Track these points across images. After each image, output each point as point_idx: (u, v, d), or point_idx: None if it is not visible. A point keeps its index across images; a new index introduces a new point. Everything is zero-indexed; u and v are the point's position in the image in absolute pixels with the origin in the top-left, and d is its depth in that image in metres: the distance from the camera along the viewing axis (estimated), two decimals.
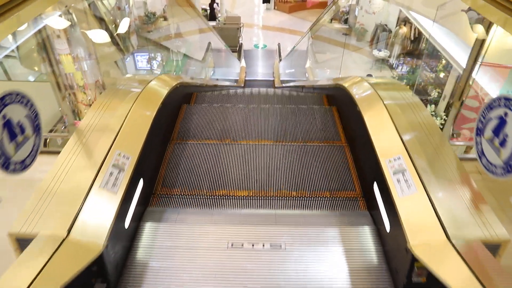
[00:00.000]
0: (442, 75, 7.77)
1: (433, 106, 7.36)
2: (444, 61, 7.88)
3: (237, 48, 11.60)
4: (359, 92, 2.46)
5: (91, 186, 1.51)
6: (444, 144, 1.83)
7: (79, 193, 1.47)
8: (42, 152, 1.32)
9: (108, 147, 1.73)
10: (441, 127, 7.12)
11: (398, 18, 12.07)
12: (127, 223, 1.68)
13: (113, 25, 3.88)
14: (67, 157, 1.62)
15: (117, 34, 3.86)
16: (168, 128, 2.96)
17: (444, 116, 7.06)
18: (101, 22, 3.62)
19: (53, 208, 1.39)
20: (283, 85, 7.88)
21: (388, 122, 1.93)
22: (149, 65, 8.45)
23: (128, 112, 1.97)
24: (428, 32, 6.28)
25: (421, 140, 1.80)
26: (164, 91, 2.56)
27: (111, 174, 1.60)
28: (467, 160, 2.36)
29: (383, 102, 2.09)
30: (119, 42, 4.09)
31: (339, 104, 3.31)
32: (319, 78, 8.66)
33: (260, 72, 12.03)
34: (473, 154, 2.19)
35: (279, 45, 11.25)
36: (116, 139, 1.80)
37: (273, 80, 10.75)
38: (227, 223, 1.96)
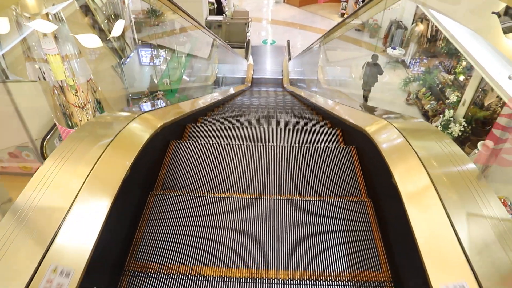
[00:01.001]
0: (461, 77, 7.37)
1: (451, 111, 6.98)
2: (464, 63, 7.47)
3: (245, 44, 11.28)
4: (391, 152, 1.67)
5: None
6: None
7: None
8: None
9: (39, 258, 1.06)
10: (460, 134, 6.76)
11: (415, 15, 11.60)
12: None
13: (107, 24, 3.60)
14: None
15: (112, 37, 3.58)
16: (147, 183, 2.30)
17: (464, 123, 6.69)
18: (93, 22, 3.35)
19: None
20: (291, 89, 7.56)
21: (440, 212, 1.24)
22: (152, 62, 8.20)
23: (79, 190, 1.30)
24: (450, 34, 5.89)
25: (488, 244, 1.12)
26: (139, 144, 1.87)
27: None
28: None
29: (427, 173, 1.38)
30: (115, 45, 3.81)
31: (360, 152, 2.52)
32: (330, 77, 8.27)
33: (269, 69, 11.72)
34: None
35: (288, 42, 10.91)
36: (54, 241, 1.13)
37: (282, 79, 10.44)
38: None
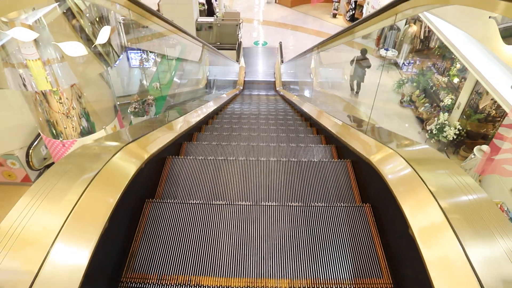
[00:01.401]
0: (456, 80, 7.36)
1: (446, 114, 6.97)
2: (458, 65, 7.46)
3: (236, 46, 11.15)
4: (401, 189, 1.40)
5: None
6: None
7: None
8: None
9: None
10: (455, 137, 6.75)
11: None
12: None
13: (91, 29, 3.46)
14: None
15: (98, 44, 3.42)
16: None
17: (459, 126, 6.68)
18: (76, 27, 3.20)
19: None
20: (283, 94, 7.38)
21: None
22: (141, 66, 8.02)
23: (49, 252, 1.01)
24: (444, 36, 5.84)
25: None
26: (121, 186, 1.49)
27: None
28: None
29: (447, 220, 1.11)
30: (101, 51, 3.65)
31: (361, 179, 2.18)
32: (323, 79, 8.13)
33: (261, 71, 11.61)
34: None
35: (280, 44, 10.82)
36: None
37: (274, 82, 10.34)
38: None
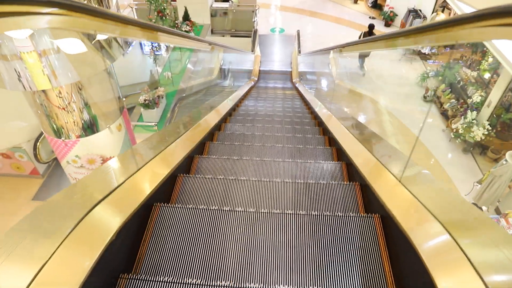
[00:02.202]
0: (486, 75, 6.86)
1: (474, 113, 6.52)
2: (490, 59, 6.95)
3: (252, 34, 10.79)
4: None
5: None
6: None
7: None
8: None
9: None
10: (483, 138, 6.33)
11: (435, 3, 10.97)
12: None
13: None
14: None
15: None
16: None
17: (488, 126, 6.25)
18: None
19: None
20: (301, 89, 6.99)
21: None
22: (152, 55, 7.82)
23: None
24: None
25: None
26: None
27: None
28: None
29: None
30: (104, 45, 3.45)
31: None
32: (343, 70, 7.65)
33: (277, 61, 11.24)
34: None
35: (298, 32, 10.41)
36: None
37: (290, 72, 9.99)
38: None
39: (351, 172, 2.39)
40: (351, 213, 1.76)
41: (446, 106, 7.73)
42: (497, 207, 5.61)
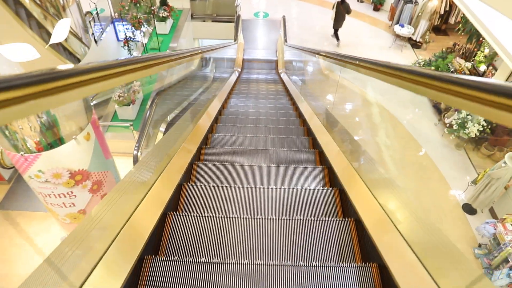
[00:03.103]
0: (482, 67, 6.67)
1: None
2: (486, 50, 6.75)
3: (234, 19, 10.25)
4: None
5: None
6: None
7: None
8: None
9: None
10: (478, 134, 6.19)
11: None
12: None
13: (47, 20, 2.80)
14: None
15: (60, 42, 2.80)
16: None
17: (483, 122, 6.09)
18: (26, 18, 2.55)
19: None
20: (286, 82, 6.62)
21: None
22: (125, 45, 7.24)
23: None
24: (472, 13, 5.12)
25: None
26: None
27: None
28: None
29: None
30: (65, 46, 3.00)
31: None
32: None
33: (261, 48, 10.78)
34: None
35: (284, 18, 9.94)
36: None
37: (276, 61, 9.58)
38: None
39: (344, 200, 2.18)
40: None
41: None
42: (492, 209, 5.52)
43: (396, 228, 1.52)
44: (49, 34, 2.83)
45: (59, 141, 3.49)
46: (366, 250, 1.72)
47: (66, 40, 2.97)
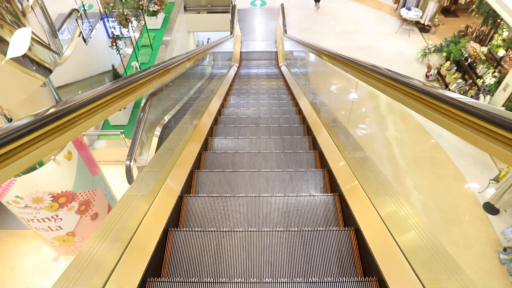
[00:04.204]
0: (501, 52, 6.23)
1: (488, 97, 5.95)
2: (505, 33, 6.30)
3: (230, 9, 9.81)
4: None
5: None
6: None
7: None
8: None
9: None
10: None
11: None
12: None
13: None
14: None
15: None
16: None
17: None
18: None
19: None
20: (288, 78, 6.22)
21: None
22: (113, 45, 6.85)
23: None
24: None
25: None
26: None
27: None
28: None
29: None
30: (33, 57, 2.67)
31: None
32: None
33: (260, 40, 10.34)
34: None
35: (282, 6, 9.48)
36: None
37: (276, 54, 9.15)
38: None
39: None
40: None
41: (452, 87, 7.14)
42: None
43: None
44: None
45: (37, 163, 3.19)
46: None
47: (30, 50, 2.63)
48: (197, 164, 3.10)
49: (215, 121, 4.39)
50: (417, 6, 9.76)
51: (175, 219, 2.16)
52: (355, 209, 1.87)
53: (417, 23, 10.01)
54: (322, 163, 2.85)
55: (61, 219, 3.77)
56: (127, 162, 4.96)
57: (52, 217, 3.73)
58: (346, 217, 2.02)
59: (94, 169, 4.15)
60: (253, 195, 2.27)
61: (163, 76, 2.42)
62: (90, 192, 4.04)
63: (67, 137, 1.02)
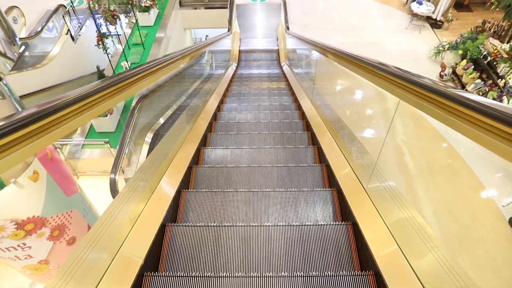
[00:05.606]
0: None
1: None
2: None
3: (228, 4, 9.35)
4: None
5: None
6: None
7: None
8: None
9: None
10: None
11: None
12: None
13: None
14: None
15: None
16: None
17: None
18: None
19: None
20: (291, 81, 5.77)
21: None
22: (99, 43, 6.38)
23: None
24: None
25: None
26: None
27: None
28: None
29: None
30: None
31: None
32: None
33: (260, 37, 9.88)
34: None
35: (284, 0, 9.02)
36: None
37: (277, 52, 8.69)
38: None
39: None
40: None
41: (469, 88, 6.66)
42: None
43: None
44: None
45: None
46: None
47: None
48: (187, 181, 2.69)
49: (209, 128, 3.94)
50: (428, 0, 9.27)
51: (155, 254, 1.82)
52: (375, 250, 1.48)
53: (428, 19, 9.53)
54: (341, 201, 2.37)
55: (29, 247, 3.33)
56: (111, 176, 4.51)
57: (18, 245, 3.29)
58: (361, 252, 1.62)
59: (70, 187, 3.68)
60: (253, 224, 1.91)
61: (141, 81, 1.99)
62: (64, 215, 3.59)
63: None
